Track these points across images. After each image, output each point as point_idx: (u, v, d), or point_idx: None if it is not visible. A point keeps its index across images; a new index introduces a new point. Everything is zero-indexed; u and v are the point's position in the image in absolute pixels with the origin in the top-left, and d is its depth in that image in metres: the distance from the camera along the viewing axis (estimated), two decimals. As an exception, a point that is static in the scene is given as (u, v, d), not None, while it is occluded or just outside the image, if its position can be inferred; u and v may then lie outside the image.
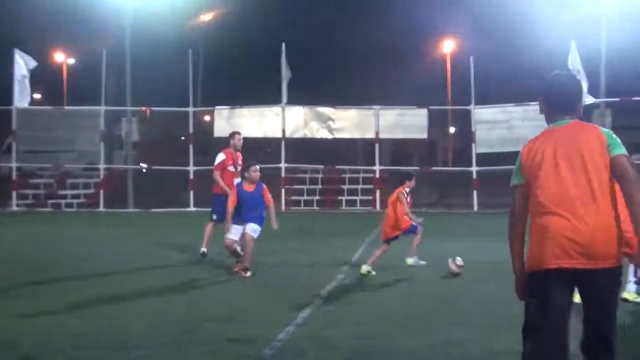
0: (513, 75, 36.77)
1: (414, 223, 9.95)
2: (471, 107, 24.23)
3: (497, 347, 5.82)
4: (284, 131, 24.20)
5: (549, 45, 27.53)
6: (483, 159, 24.29)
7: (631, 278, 7.20)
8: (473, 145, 24.03)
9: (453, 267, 9.56)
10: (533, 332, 3.65)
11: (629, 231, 3.63)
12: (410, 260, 10.41)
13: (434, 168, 31.16)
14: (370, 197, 24.57)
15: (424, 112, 24.68)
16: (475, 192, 23.56)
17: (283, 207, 22.63)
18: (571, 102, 3.90)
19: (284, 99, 24.41)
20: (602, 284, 3.59)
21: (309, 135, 24.98)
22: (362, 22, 41.84)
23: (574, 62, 23.14)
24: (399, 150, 37.97)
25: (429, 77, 40.21)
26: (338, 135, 25.13)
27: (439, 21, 40.05)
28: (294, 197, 24.79)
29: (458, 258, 9.67)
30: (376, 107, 24.74)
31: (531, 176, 3.78)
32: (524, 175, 3.85)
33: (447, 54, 41.95)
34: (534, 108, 23.89)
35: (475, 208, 23.33)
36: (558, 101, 3.90)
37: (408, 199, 9.85)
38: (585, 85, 22.93)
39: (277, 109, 24.62)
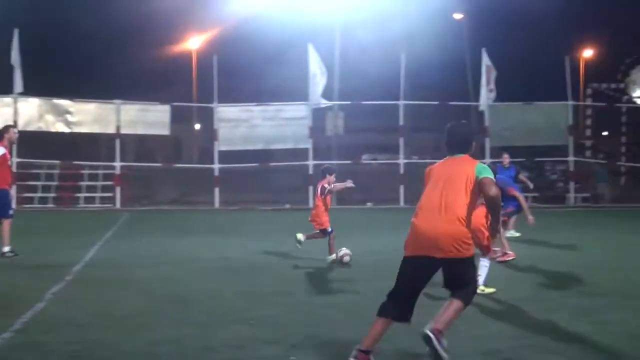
0: (257, 75, 37.97)
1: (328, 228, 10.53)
2: (214, 105, 24.61)
3: (214, 342, 6.06)
4: (16, 122, 22.57)
5: (290, 48, 28.87)
6: (226, 156, 24.78)
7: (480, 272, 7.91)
8: (215, 143, 24.42)
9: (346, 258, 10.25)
10: (396, 286, 5.26)
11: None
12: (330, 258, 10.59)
13: (177, 165, 31.17)
14: (111, 194, 23.90)
15: (166, 108, 24.60)
16: (217, 189, 23.95)
17: (14, 204, 21.13)
18: (462, 144, 5.53)
19: (17, 89, 22.82)
20: (451, 267, 5.21)
21: (44, 128, 23.63)
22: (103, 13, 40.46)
23: (313, 65, 24.52)
24: (144, 147, 37.39)
25: (176, 73, 40.07)
26: (76, 130, 24.12)
27: (185, 18, 40.05)
28: (26, 194, 23.31)
29: (344, 249, 10.34)
30: (117, 101, 24.14)
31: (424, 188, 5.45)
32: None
33: (193, 51, 42.04)
34: (275, 108, 25.20)
35: (217, 205, 23.74)
36: (452, 143, 5.54)
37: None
38: (320, 89, 24.42)
39: (8, 99, 22.96)
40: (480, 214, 7.06)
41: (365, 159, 34.24)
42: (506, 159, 15.89)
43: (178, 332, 6.36)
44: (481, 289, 7.90)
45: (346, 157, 28.21)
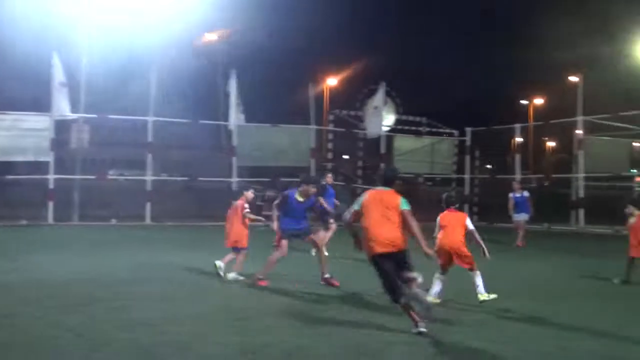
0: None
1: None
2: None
3: None
4: None
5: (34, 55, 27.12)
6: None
7: (478, 282, 9.37)
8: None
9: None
10: (384, 278, 7.46)
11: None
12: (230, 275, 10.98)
13: None
14: None
15: None
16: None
17: None
18: (387, 180, 7.86)
19: None
20: (400, 257, 7.42)
21: None
22: None
23: (58, 76, 23.37)
24: None
25: None
26: None
27: None
28: None
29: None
30: None
31: (364, 208, 7.67)
32: (361, 205, 7.71)
33: None
34: (12, 118, 23.52)
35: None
36: (381, 180, 7.91)
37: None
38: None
39: None
40: (460, 235, 9.34)
41: (112, 174, 33.14)
42: (329, 178, 16.60)
43: None
44: (484, 297, 9.25)
45: (92, 172, 27.27)
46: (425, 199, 31.09)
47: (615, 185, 28.57)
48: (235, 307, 8.72)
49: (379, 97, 29.68)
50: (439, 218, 9.68)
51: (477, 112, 46.64)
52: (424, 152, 31.19)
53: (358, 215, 7.68)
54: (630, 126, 26.51)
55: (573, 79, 35.45)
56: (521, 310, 8.84)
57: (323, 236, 13.96)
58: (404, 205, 7.53)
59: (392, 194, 7.64)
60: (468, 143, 31.00)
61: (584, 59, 38.07)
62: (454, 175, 32.07)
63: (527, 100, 55.93)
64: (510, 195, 19.65)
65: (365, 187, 30.14)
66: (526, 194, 19.73)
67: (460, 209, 10.00)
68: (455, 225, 9.38)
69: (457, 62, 68.17)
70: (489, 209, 30.04)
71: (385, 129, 30.53)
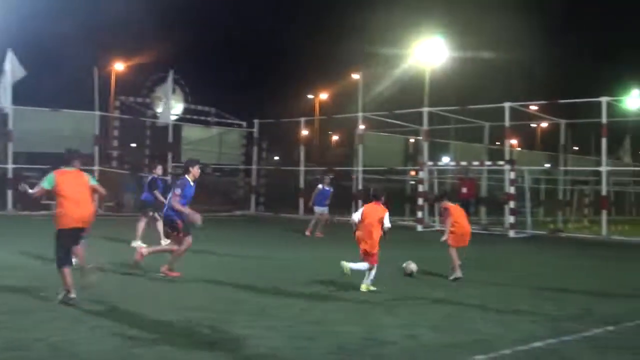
0: None
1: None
2: None
3: None
4: None
5: None
6: None
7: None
8: None
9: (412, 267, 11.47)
10: (61, 249, 8.25)
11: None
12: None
13: None
14: None
15: None
16: None
17: None
18: (70, 161, 8.76)
19: None
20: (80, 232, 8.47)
21: None
22: None
23: None
24: None
25: None
26: None
27: None
28: None
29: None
30: None
31: (59, 185, 8.30)
32: (53, 183, 8.31)
33: None
34: None
35: None
36: (65, 159, 8.80)
37: None
38: None
39: None
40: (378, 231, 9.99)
41: None
42: (159, 169, 15.83)
43: None
44: (367, 287, 9.81)
45: None
46: (212, 188, 31.37)
47: (391, 178, 30.54)
48: None
49: (168, 85, 29.32)
50: (362, 208, 10.21)
51: (266, 104, 47.70)
52: (212, 142, 31.34)
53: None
54: (405, 123, 28.52)
55: (355, 76, 37.50)
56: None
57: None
58: (92, 181, 8.64)
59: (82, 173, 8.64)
60: (256, 135, 31.60)
61: (366, 58, 40.40)
62: (242, 166, 32.58)
63: (313, 95, 58.21)
64: (320, 186, 20.14)
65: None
66: (331, 188, 20.40)
67: (369, 203, 10.30)
68: (374, 220, 9.91)
69: (245, 53, 68.97)
70: (275, 199, 30.94)
71: (173, 117, 30.23)
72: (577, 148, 41.30)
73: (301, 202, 28.21)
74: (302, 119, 32.10)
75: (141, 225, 14.97)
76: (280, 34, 68.86)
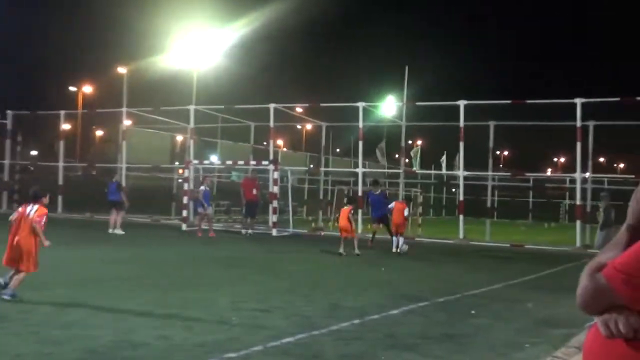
0: None
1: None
2: None
3: None
4: None
5: None
6: None
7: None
8: None
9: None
10: None
11: None
12: None
13: None
14: None
15: None
16: None
17: None
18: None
19: None
20: None
21: None
22: None
23: None
24: None
25: None
26: None
27: None
28: None
29: None
30: None
31: None
32: None
33: None
34: None
35: None
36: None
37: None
38: None
39: None
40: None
41: None
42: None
43: None
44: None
45: None
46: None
47: (156, 175, 29.94)
48: None
49: None
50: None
51: (24, 95, 44.61)
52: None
53: None
54: (173, 121, 28.16)
55: (121, 70, 36.29)
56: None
57: None
58: None
59: None
60: (9, 127, 29.30)
61: (133, 52, 39.30)
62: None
63: (76, 87, 55.12)
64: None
65: None
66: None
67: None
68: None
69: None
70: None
71: None
72: (339, 150, 43.64)
73: (60, 199, 26.89)
74: (62, 112, 30.25)
75: None
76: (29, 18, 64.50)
